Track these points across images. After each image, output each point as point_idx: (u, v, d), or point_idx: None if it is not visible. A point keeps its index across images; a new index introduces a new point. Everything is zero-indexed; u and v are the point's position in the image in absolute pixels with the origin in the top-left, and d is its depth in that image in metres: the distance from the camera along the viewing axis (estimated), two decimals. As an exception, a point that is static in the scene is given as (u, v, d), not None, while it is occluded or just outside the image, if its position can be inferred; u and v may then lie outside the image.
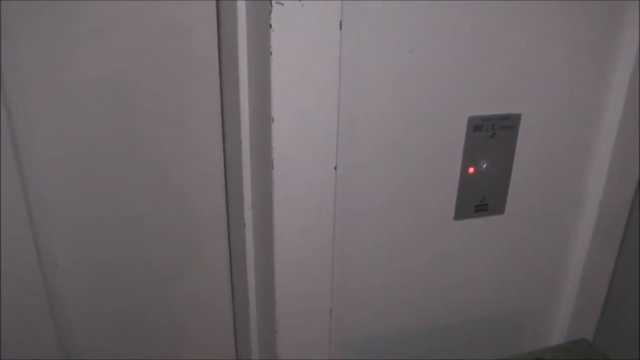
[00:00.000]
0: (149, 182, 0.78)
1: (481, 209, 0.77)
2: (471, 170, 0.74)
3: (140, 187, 0.78)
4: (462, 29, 0.66)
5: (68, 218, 0.76)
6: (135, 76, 0.72)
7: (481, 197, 0.76)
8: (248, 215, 0.73)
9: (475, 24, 0.66)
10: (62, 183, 0.74)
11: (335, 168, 0.63)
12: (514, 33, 0.69)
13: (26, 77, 0.68)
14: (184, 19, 0.71)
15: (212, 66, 0.75)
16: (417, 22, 0.64)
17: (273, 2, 0.54)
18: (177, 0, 0.70)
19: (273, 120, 0.59)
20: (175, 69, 0.73)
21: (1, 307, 0.74)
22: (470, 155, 0.73)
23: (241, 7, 0.64)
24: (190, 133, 0.77)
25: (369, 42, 0.63)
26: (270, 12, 0.55)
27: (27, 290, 0.76)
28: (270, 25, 0.55)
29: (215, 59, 0.75)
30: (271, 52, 0.57)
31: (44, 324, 0.78)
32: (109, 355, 0.86)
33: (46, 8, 0.66)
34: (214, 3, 0.72)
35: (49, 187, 0.73)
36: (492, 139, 0.73)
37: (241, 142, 0.70)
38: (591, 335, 0.93)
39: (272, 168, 0.61)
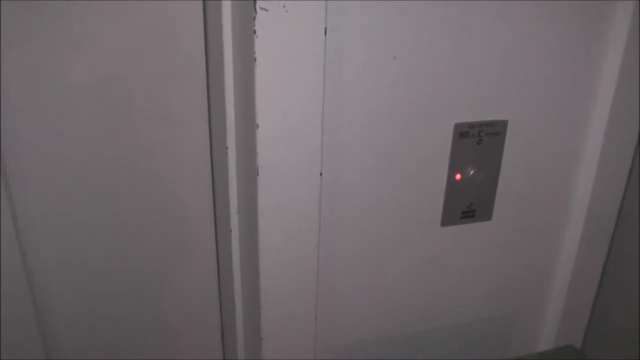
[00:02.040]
0: (136, 186, 0.77)
1: (468, 215, 0.77)
2: (458, 176, 0.74)
3: (127, 191, 0.77)
4: (448, 35, 0.66)
5: (54, 220, 0.75)
6: (121, 79, 0.72)
7: (468, 203, 0.76)
8: (234, 220, 0.73)
9: (460, 29, 0.66)
10: (48, 185, 0.73)
11: (321, 174, 0.63)
12: (501, 39, 0.69)
13: (11, 78, 0.67)
14: (171, 21, 0.71)
15: (199, 71, 0.75)
16: (401, 28, 0.64)
17: (257, 8, 0.54)
18: (164, 1, 0.70)
19: (258, 126, 0.59)
20: (162, 72, 0.73)
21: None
22: (456, 161, 0.73)
23: (226, 12, 0.64)
24: (178, 137, 0.77)
25: (353, 48, 0.63)
26: (254, 18, 0.55)
27: (11, 290, 0.75)
28: (255, 31, 0.55)
29: (202, 63, 0.75)
30: (255, 58, 0.56)
31: (28, 325, 0.78)
32: (97, 357, 0.86)
33: (32, 10, 0.65)
34: (200, 4, 0.72)
35: (35, 188, 0.73)
36: (478, 145, 0.73)
37: (227, 148, 0.69)
38: (579, 341, 0.93)
39: (257, 174, 0.61)
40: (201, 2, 0.72)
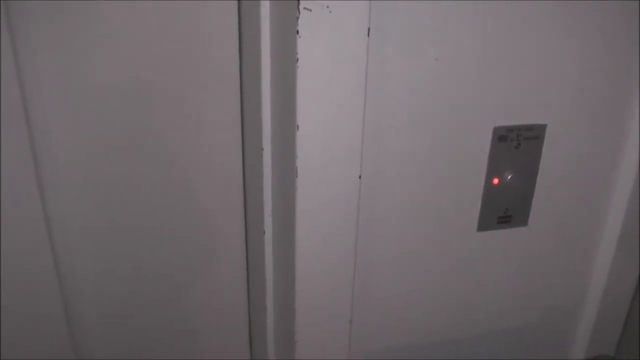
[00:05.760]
0: (166, 188, 0.77)
1: (504, 220, 0.75)
2: (495, 181, 0.72)
3: (156, 193, 0.77)
4: (489, 38, 0.65)
5: (84, 223, 0.75)
6: (151, 81, 0.71)
7: (504, 208, 0.75)
8: (268, 222, 0.72)
9: (502, 33, 0.65)
10: (79, 189, 0.73)
11: (360, 177, 0.62)
12: (542, 43, 0.68)
13: (44, 80, 0.67)
14: (204, 21, 0.71)
15: (232, 71, 0.74)
16: (444, 29, 0.63)
17: (301, 8, 0.54)
18: (197, 1, 0.70)
19: (298, 127, 0.58)
20: (193, 74, 0.73)
21: (17, 310, 0.75)
22: (494, 165, 0.72)
23: (265, 12, 0.63)
24: (210, 139, 0.77)
25: (395, 49, 0.62)
26: (297, 18, 0.54)
27: (42, 294, 0.75)
28: (297, 32, 0.55)
29: (236, 64, 0.74)
30: (297, 59, 0.56)
31: (58, 325, 0.78)
32: (124, 357, 0.85)
33: (61, 9, 0.65)
34: (235, 4, 0.71)
35: (66, 192, 0.73)
36: (517, 149, 0.72)
37: (262, 150, 0.69)
38: (613, 350, 0.92)
39: (296, 176, 0.60)
40: (236, 2, 0.72)
